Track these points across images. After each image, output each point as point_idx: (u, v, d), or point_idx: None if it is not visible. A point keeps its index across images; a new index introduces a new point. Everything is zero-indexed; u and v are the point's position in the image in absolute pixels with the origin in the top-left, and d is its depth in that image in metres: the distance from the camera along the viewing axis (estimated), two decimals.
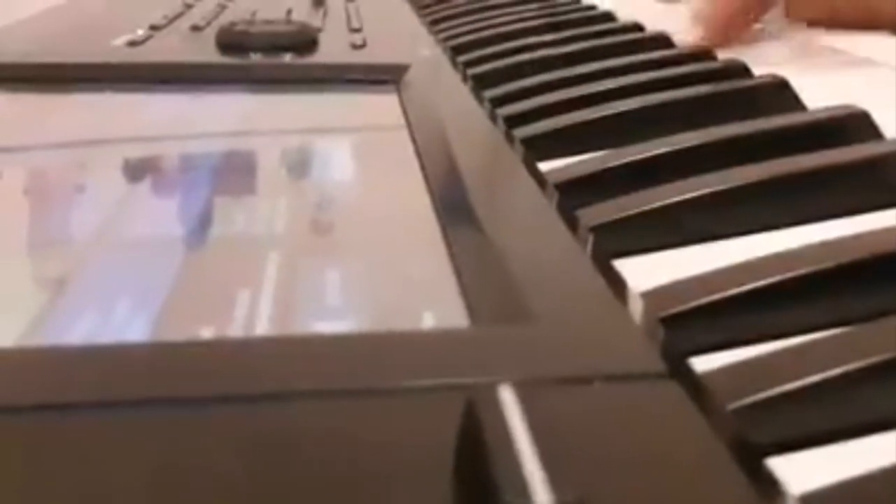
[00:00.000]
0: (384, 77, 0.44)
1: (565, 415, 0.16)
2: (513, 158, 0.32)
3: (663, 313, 0.22)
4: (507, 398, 0.14)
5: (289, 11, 0.59)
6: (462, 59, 0.50)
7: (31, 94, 0.42)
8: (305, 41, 0.49)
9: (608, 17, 0.58)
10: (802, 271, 0.23)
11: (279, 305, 0.22)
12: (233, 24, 0.50)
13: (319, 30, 0.53)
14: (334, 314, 0.22)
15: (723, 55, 0.45)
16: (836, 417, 0.19)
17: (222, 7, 0.62)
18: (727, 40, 0.48)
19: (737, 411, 0.18)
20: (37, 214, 0.30)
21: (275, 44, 0.48)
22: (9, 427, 0.16)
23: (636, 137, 0.33)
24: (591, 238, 0.26)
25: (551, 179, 0.31)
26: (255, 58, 0.47)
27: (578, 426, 0.16)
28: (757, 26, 0.51)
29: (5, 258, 0.26)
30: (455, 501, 0.14)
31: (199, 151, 0.37)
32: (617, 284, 0.23)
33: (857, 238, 0.25)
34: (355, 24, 0.57)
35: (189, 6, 0.62)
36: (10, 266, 0.26)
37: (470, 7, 0.66)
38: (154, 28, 0.53)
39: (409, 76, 0.43)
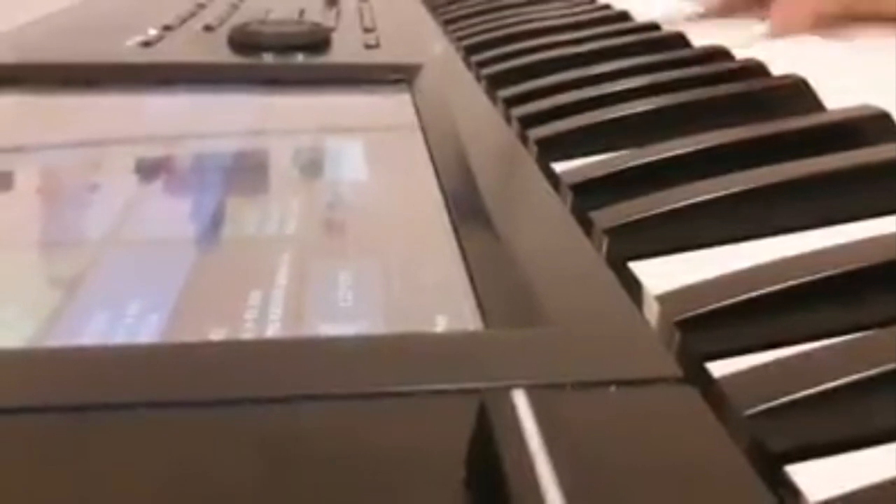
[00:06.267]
0: (397, 77, 0.44)
1: (579, 420, 0.16)
2: (527, 159, 0.32)
3: (680, 317, 0.22)
4: (521, 403, 0.14)
5: (301, 11, 0.59)
6: (476, 58, 0.50)
7: (43, 95, 0.42)
8: (318, 41, 0.49)
9: (623, 16, 0.57)
10: (821, 275, 0.23)
11: (291, 307, 0.22)
12: (245, 24, 0.50)
13: (332, 29, 0.53)
14: (346, 316, 0.22)
15: None
16: (855, 424, 0.18)
17: (234, 7, 0.62)
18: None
19: (754, 417, 0.18)
20: (50, 214, 0.30)
21: (287, 44, 0.48)
22: (20, 428, 0.15)
23: (652, 138, 0.33)
24: (606, 240, 0.26)
25: (566, 181, 0.31)
26: (268, 58, 0.47)
27: (593, 432, 0.16)
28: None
29: (19, 258, 0.26)
30: None
31: (212, 151, 0.37)
32: (632, 287, 0.22)
33: (878, 241, 0.25)
34: (368, 24, 0.57)
35: (201, 6, 0.62)
36: (23, 266, 0.26)
37: (483, 6, 0.66)
38: (167, 28, 0.53)
39: (423, 76, 0.43)
